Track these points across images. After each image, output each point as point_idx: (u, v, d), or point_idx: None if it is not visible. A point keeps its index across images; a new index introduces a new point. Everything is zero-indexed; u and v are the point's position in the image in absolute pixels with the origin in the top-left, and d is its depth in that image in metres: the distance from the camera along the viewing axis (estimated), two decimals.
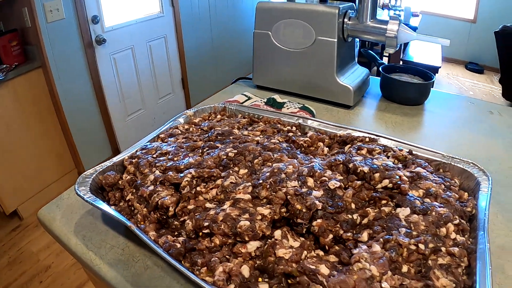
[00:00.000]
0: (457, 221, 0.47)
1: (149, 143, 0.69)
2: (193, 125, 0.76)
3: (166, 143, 0.67)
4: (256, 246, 0.44)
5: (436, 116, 1.02)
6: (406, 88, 1.04)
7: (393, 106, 1.06)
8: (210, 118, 0.80)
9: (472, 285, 0.41)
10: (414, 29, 3.53)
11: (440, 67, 3.50)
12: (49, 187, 2.36)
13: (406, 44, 3.87)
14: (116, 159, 0.67)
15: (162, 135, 0.72)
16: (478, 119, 1.00)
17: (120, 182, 0.61)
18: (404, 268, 0.40)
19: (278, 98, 1.00)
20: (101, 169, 0.64)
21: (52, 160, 2.33)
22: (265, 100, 0.99)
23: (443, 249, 0.43)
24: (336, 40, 0.95)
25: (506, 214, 0.65)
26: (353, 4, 1.00)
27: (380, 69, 1.08)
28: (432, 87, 1.09)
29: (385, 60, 3.60)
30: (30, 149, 2.17)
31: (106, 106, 2.54)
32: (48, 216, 0.70)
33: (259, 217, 0.46)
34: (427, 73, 1.09)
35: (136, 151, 0.67)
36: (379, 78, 1.13)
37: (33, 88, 2.11)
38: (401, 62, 3.50)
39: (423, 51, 3.78)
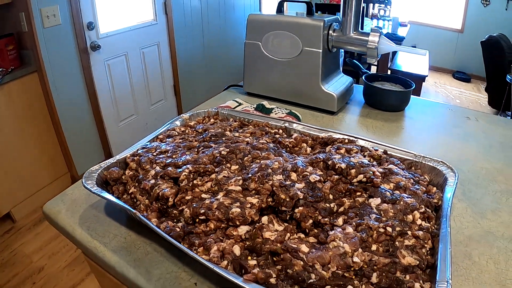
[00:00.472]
0: (423, 210, 0.54)
1: (149, 142, 0.75)
2: (188, 128, 0.82)
3: (164, 143, 0.74)
4: (246, 229, 0.50)
5: (415, 121, 1.10)
6: (387, 95, 1.12)
7: (375, 112, 1.14)
8: (204, 122, 0.87)
9: (435, 263, 0.48)
10: (402, 39, 3.65)
11: (427, 75, 3.59)
12: (41, 190, 2.38)
13: (394, 54, 3.99)
14: (118, 156, 0.73)
15: (160, 136, 0.78)
16: (455, 124, 1.08)
17: (123, 177, 0.67)
18: (374, 247, 0.47)
19: (267, 104, 1.07)
20: (105, 166, 0.69)
21: (45, 163, 2.36)
22: (255, 106, 1.06)
23: (409, 232, 0.50)
24: (321, 50, 1.03)
25: (475, 209, 0.72)
26: (338, 17, 1.08)
27: (363, 77, 1.16)
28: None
29: (373, 69, 3.72)
30: (23, 153, 2.20)
31: (99, 111, 2.58)
32: (53, 209, 0.74)
33: (249, 205, 0.53)
34: (407, 81, 1.17)
35: (137, 149, 0.73)
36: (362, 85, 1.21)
37: (28, 92, 2.14)
38: (389, 71, 3.61)
39: (411, 60, 3.88)
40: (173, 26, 3.02)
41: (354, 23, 0.99)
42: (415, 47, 4.78)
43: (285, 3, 1.14)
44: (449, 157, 0.80)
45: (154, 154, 0.69)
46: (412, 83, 1.14)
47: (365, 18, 3.68)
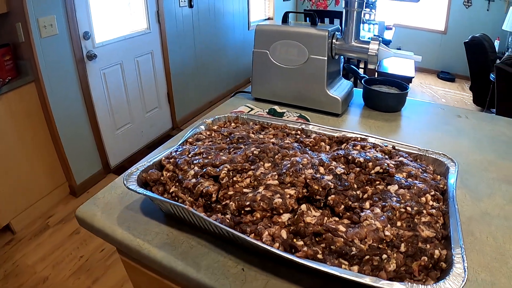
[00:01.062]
0: (433, 193, 0.64)
1: (180, 146, 0.82)
2: (213, 131, 0.89)
3: (195, 146, 0.81)
4: (288, 217, 0.58)
5: (411, 120, 1.21)
6: (385, 97, 1.23)
7: (375, 114, 1.23)
8: (225, 126, 0.94)
9: (448, 234, 0.57)
10: (388, 42, 3.79)
11: (413, 77, 3.73)
12: (40, 200, 2.39)
13: None
14: (153, 159, 0.78)
15: (190, 140, 0.85)
16: (447, 122, 1.19)
17: (162, 178, 0.74)
18: (398, 223, 0.57)
19: (278, 108, 1.16)
20: (143, 168, 0.75)
21: (44, 174, 2.36)
22: (267, 111, 1.15)
23: (424, 211, 0.60)
24: (326, 58, 1.12)
25: (472, 194, 0.82)
26: (339, 26, 1.18)
27: (362, 82, 1.27)
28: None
29: (361, 72, 3.86)
30: (22, 163, 2.20)
31: (96, 120, 2.61)
32: (88, 212, 0.77)
33: (288, 196, 0.61)
34: (402, 84, 1.28)
35: (171, 152, 0.79)
36: (360, 89, 1.31)
37: (26, 101, 2.15)
38: (376, 74, 3.75)
39: (397, 63, 4.02)
40: (165, 34, 3.08)
41: (355, 32, 1.09)
42: (400, 49, 4.97)
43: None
44: (444, 151, 0.89)
45: (189, 156, 0.76)
46: (407, 86, 1.25)
47: None
